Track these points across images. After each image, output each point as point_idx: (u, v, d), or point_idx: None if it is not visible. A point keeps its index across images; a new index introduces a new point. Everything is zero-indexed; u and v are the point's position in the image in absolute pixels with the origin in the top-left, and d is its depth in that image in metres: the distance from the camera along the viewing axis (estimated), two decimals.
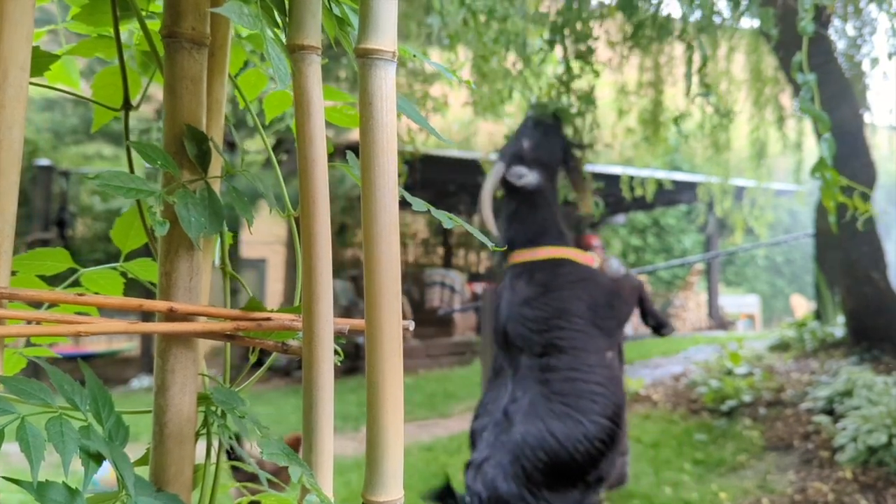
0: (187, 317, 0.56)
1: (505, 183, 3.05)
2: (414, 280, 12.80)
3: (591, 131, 7.50)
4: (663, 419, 6.24)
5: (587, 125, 7.49)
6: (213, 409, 0.59)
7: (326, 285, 0.57)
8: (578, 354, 2.66)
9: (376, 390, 0.52)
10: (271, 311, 0.60)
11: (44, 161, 10.32)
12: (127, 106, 0.65)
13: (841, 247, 6.76)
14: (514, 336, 2.81)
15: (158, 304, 0.55)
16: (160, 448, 0.57)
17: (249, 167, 0.67)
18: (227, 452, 0.74)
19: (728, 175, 9.87)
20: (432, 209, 0.63)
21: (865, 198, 2.37)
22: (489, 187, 3.07)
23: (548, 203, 2.97)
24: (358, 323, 0.61)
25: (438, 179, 11.24)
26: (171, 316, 0.55)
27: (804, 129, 8.97)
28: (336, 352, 0.62)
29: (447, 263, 14.57)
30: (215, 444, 0.60)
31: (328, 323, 0.57)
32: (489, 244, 0.61)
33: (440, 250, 15.59)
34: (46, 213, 10.09)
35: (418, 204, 0.62)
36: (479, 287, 11.77)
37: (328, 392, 0.57)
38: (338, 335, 0.61)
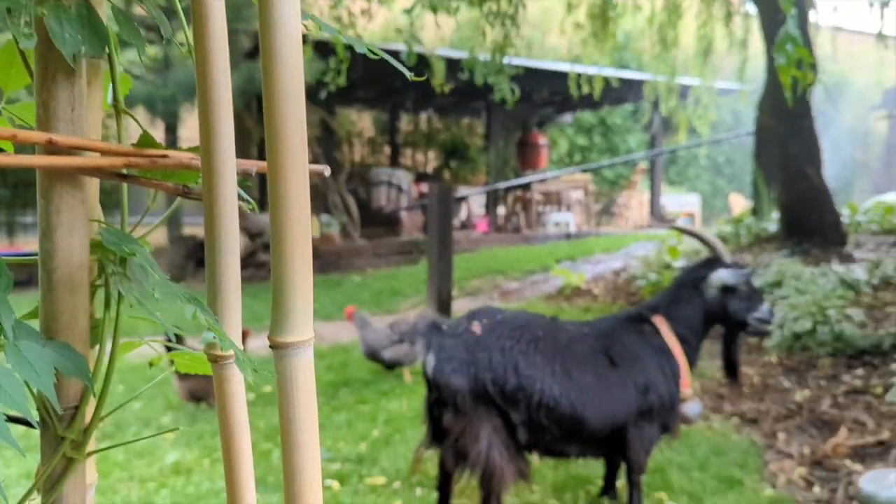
0: (71, 151, 0.51)
1: (703, 275, 3.03)
2: (360, 179, 12.64)
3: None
4: (603, 311, 6.44)
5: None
6: (110, 256, 0.55)
7: (227, 118, 0.52)
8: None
9: (281, 227, 0.48)
10: (167, 148, 0.54)
11: None
12: None
13: (779, 142, 6.89)
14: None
15: (34, 136, 0.49)
16: (49, 297, 0.52)
17: (185, 60, 0.60)
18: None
19: (674, 73, 9.86)
20: (354, 43, 0.57)
21: (814, 68, 2.41)
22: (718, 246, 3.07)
23: (700, 313, 3.00)
24: (265, 165, 0.56)
25: (384, 74, 10.93)
26: (51, 150, 0.50)
27: (750, 26, 8.95)
28: (240, 197, 0.58)
29: (394, 163, 14.39)
30: (114, 293, 0.56)
31: (230, 160, 0.52)
32: (409, 75, 0.56)
33: (386, 149, 15.37)
34: None
35: (329, 29, 0.56)
36: (426, 186, 11.70)
37: (232, 235, 0.53)
38: (243, 177, 0.57)
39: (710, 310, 2.99)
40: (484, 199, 12.97)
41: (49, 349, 0.49)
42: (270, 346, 0.49)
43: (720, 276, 2.96)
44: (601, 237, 11.62)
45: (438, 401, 2.80)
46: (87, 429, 0.53)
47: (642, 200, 14.81)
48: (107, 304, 0.56)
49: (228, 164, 0.52)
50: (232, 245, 0.53)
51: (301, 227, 0.48)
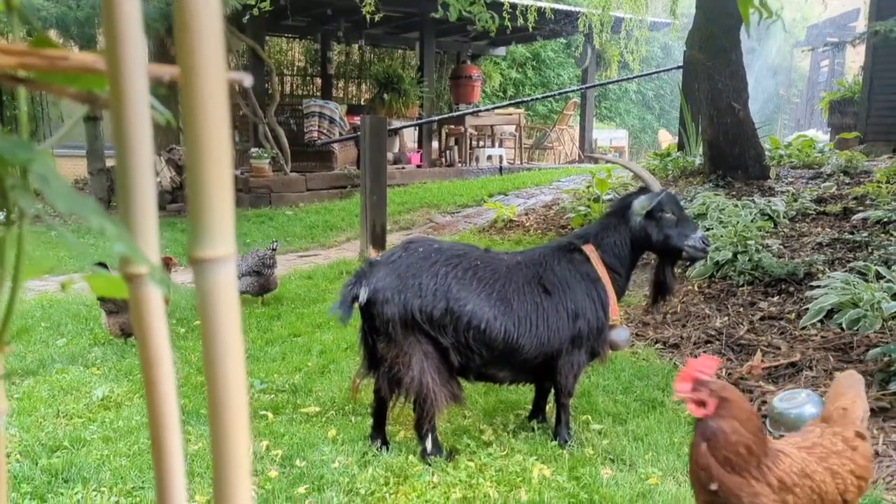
0: None
1: (628, 203, 3.11)
2: (291, 111, 12.27)
3: None
4: (534, 243, 6.53)
5: None
6: (10, 170, 0.50)
7: (134, 17, 0.48)
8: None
9: (196, 134, 0.45)
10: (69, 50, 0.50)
11: None
12: None
13: (707, 77, 7.00)
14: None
15: None
16: None
17: None
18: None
19: (607, 7, 9.83)
20: None
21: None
22: (647, 178, 3.15)
23: (627, 241, 3.09)
24: (178, 71, 0.52)
25: (314, 3, 10.52)
26: None
27: None
28: (153, 107, 0.54)
29: (326, 94, 14.00)
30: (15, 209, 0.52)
31: (138, 61, 0.48)
32: None
33: (318, 81, 14.92)
34: None
35: None
36: (358, 118, 11.44)
37: (145, 144, 0.49)
38: (155, 84, 0.53)
39: (636, 237, 3.05)
40: (417, 133, 12.82)
41: None
42: (190, 264, 0.47)
43: (639, 202, 3.02)
44: (533, 171, 11.70)
45: (372, 329, 2.82)
46: None
47: (573, 135, 14.93)
48: (7, 221, 0.53)
49: (137, 65, 0.48)
50: (145, 155, 0.50)
51: (218, 135, 0.45)
